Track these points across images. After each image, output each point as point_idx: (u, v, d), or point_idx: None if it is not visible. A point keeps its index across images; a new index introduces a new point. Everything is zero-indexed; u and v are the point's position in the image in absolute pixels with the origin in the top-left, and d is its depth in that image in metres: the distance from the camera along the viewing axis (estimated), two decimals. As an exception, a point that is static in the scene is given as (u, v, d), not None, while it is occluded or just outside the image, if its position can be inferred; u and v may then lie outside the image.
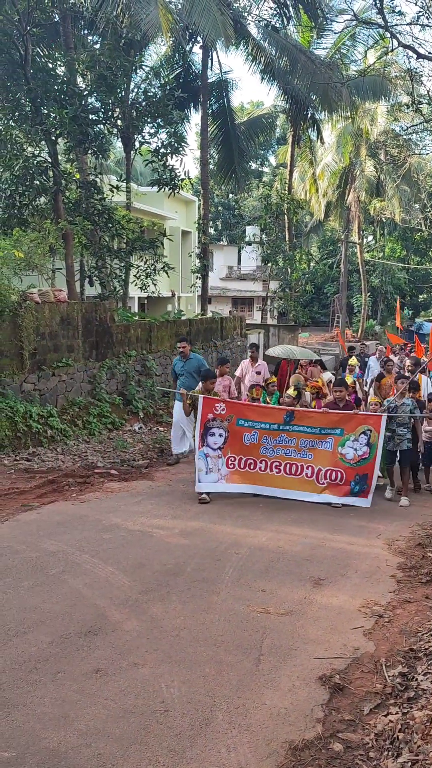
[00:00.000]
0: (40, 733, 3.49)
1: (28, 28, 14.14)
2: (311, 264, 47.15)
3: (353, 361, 14.25)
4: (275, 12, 23.89)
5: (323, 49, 27.33)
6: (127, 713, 3.69)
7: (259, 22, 23.80)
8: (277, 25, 24.01)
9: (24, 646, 4.38)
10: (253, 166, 37.05)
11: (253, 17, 23.68)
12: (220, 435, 8.53)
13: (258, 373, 11.96)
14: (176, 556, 6.22)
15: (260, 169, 51.45)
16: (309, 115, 26.62)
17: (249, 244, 43.05)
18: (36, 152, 15.66)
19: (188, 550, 6.41)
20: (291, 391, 9.59)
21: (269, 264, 31.01)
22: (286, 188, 30.34)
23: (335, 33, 26.39)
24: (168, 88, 16.88)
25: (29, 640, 4.47)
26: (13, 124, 15.50)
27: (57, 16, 15.58)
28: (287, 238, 29.13)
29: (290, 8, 23.41)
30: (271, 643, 4.55)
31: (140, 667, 4.16)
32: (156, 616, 4.90)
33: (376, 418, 8.52)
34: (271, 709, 3.77)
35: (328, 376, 12.72)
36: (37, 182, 15.26)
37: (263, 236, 30.47)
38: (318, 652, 4.43)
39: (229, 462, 8.56)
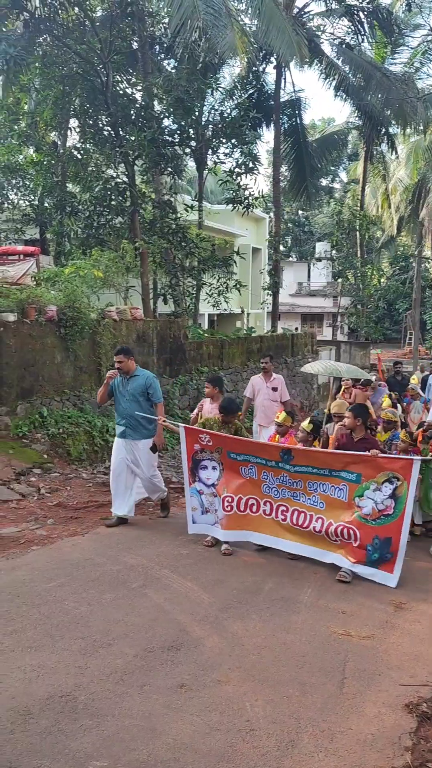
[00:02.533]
0: (129, 744, 3.57)
1: (110, 56, 14.68)
2: (383, 280, 46.49)
3: (414, 379, 12.41)
4: (349, 30, 23.95)
5: (398, 64, 27.19)
6: (212, 730, 3.73)
7: (333, 40, 23.90)
8: (351, 42, 24.05)
9: (110, 657, 4.50)
10: (324, 182, 36.99)
11: (327, 36, 23.82)
12: (214, 468, 6.99)
13: (274, 389, 9.81)
14: (254, 574, 6.24)
15: (331, 185, 51.25)
16: (382, 131, 26.45)
17: (319, 260, 42.93)
18: (114, 174, 16.20)
19: (266, 569, 6.43)
20: (306, 425, 7.42)
21: (340, 280, 30.90)
22: (358, 204, 30.17)
23: (410, 48, 26.20)
24: (243, 108, 17.16)
25: (115, 652, 4.59)
26: (93, 147, 16.10)
27: (136, 44, 16.13)
28: (358, 254, 28.92)
29: (365, 25, 23.39)
30: (354, 667, 4.51)
31: (224, 684, 4.20)
32: (237, 634, 4.94)
33: (404, 462, 6.28)
34: (358, 734, 3.74)
35: (386, 402, 10.53)
36: (115, 203, 15.77)
37: (334, 252, 30.38)
38: (403, 679, 4.36)
39: (226, 503, 6.83)
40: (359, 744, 3.66)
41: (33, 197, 18.34)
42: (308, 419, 7.63)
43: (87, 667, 4.35)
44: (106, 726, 3.74)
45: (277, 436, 7.49)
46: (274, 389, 9.81)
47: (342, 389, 11.03)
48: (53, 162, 16.50)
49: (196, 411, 8.65)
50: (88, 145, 16.21)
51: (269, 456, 6.73)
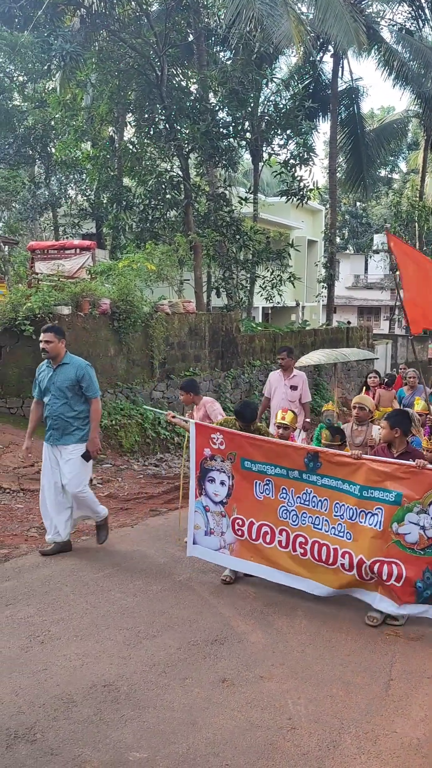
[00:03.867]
0: (170, 737, 3.56)
1: (165, 49, 14.69)
2: (442, 272, 45.25)
3: None
4: (409, 15, 23.33)
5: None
6: (253, 726, 3.69)
7: (393, 26, 23.32)
8: (412, 28, 23.42)
9: (154, 649, 4.51)
10: (383, 173, 36.14)
11: (386, 22, 23.27)
12: (222, 483, 5.62)
13: (293, 388, 8.27)
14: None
15: (390, 175, 50.11)
16: (444, 118, 25.69)
17: (377, 252, 42.14)
18: (169, 167, 16.25)
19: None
20: (327, 435, 5.98)
21: (397, 272, 30.22)
22: (417, 195, 29.43)
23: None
24: (298, 98, 16.94)
25: (158, 643, 4.59)
26: (147, 141, 16.17)
27: (191, 36, 16.10)
28: (417, 246, 28.22)
29: (426, 10, 22.72)
30: (401, 668, 4.39)
31: (266, 680, 4.15)
32: (281, 630, 4.88)
33: None
34: (403, 738, 3.63)
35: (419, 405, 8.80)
36: (169, 196, 15.82)
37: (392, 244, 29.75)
38: (452, 683, 4.22)
39: (236, 526, 5.55)
40: (404, 748, 3.55)
41: (90, 192, 18.60)
42: (324, 428, 6.19)
43: (130, 658, 4.37)
44: (147, 717, 3.74)
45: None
46: (293, 388, 8.28)
47: (363, 389, 9.58)
48: (109, 156, 16.66)
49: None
50: (143, 139, 16.30)
51: (291, 463, 5.32)
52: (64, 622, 4.81)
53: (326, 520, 5.22)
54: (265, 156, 18.97)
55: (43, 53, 13.85)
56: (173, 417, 6.28)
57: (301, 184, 17.68)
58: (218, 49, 18.23)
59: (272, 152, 18.59)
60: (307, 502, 5.30)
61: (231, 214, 16.25)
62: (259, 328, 16.92)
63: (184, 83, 16.82)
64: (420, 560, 4.88)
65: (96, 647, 4.49)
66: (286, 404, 7.93)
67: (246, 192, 19.22)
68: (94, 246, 13.30)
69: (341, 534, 5.15)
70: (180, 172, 15.83)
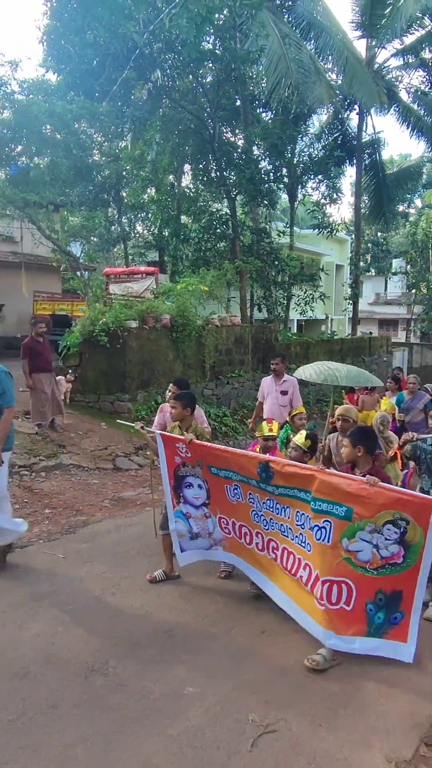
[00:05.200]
0: (218, 676, 3.52)
1: (216, 112, 14.69)
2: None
3: None
4: (425, 78, 22.66)
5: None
6: (287, 671, 3.61)
7: (410, 88, 22.72)
8: (426, 89, 22.75)
9: (206, 603, 4.47)
10: (401, 208, 35.15)
11: (403, 85, 22.65)
12: (200, 486, 4.66)
13: (284, 393, 7.10)
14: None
15: (407, 210, 48.83)
16: (453, 163, 24.84)
17: (395, 274, 41.13)
18: (219, 208, 16.25)
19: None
20: (299, 439, 4.92)
21: (413, 291, 29.44)
22: (431, 226, 28.64)
23: None
24: (328, 149, 16.74)
25: (209, 599, 4.55)
26: (202, 186, 16.22)
27: (239, 101, 16.02)
28: (430, 269, 27.46)
29: (439, 74, 22.02)
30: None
31: (299, 633, 4.03)
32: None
33: (420, 503, 3.66)
34: (417, 686, 3.49)
35: (385, 404, 7.62)
36: (219, 231, 15.82)
37: (408, 267, 29.00)
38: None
39: (223, 524, 4.61)
40: (418, 695, 3.41)
41: (154, 228, 18.77)
42: (303, 433, 5.07)
43: (186, 610, 4.34)
44: (200, 660, 3.71)
45: (258, 450, 4.91)
46: (284, 393, 7.16)
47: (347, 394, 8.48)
48: (170, 200, 16.75)
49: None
50: (198, 185, 16.35)
51: (248, 473, 4.28)
52: (131, 579, 4.82)
53: (290, 528, 4.14)
54: (300, 196, 18.80)
55: (117, 119, 14.04)
56: (142, 428, 5.05)
57: (330, 220, 17.46)
58: (261, 110, 18.06)
59: (306, 193, 18.46)
60: (272, 509, 4.25)
61: (271, 245, 16.13)
62: (294, 337, 16.74)
63: (232, 139, 16.75)
64: (373, 581, 3.73)
65: (157, 600, 4.48)
66: (277, 408, 6.94)
67: (284, 226, 19.06)
68: (157, 271, 13.39)
69: (303, 544, 4.04)
70: (228, 211, 15.78)
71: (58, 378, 9.40)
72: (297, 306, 17.95)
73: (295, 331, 23.40)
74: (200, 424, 5.10)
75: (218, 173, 15.39)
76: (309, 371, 5.92)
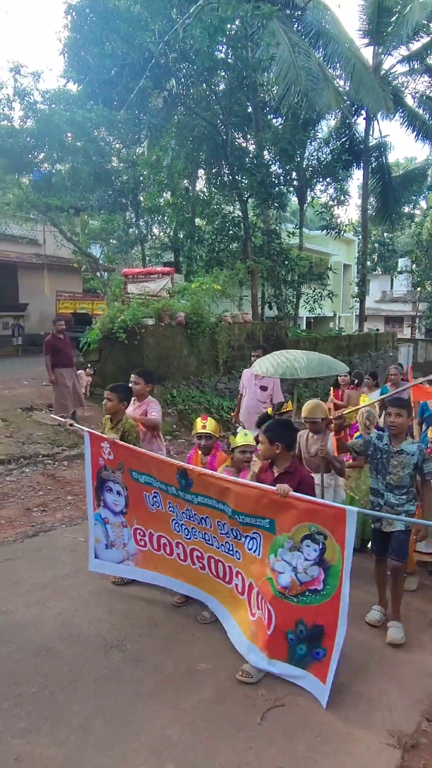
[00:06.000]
0: (228, 654, 3.51)
1: (229, 119, 14.61)
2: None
3: None
4: (429, 84, 22.29)
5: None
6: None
7: (415, 93, 22.38)
8: (431, 94, 22.37)
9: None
10: (406, 209, 34.75)
11: (409, 90, 22.32)
12: (119, 493, 4.18)
13: (263, 388, 6.41)
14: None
15: (412, 211, 48.27)
16: (457, 165, 24.43)
17: (401, 272, 40.72)
18: (231, 210, 16.18)
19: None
20: (240, 437, 4.10)
21: (418, 288, 29.12)
22: (435, 226, 28.28)
23: None
24: (336, 153, 16.59)
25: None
26: (215, 190, 16.16)
27: (250, 108, 15.92)
28: (435, 268, 27.15)
29: (444, 80, 21.67)
30: (418, 607, 4.18)
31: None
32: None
33: (333, 511, 3.13)
34: (418, 665, 3.46)
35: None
36: (231, 232, 15.77)
37: (413, 266, 28.68)
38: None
39: (138, 536, 4.14)
40: (418, 673, 3.37)
41: (169, 230, 18.77)
42: (242, 431, 4.29)
43: (198, 591, 4.35)
44: (212, 639, 3.71)
45: (199, 453, 4.25)
46: (263, 388, 6.37)
47: (336, 386, 7.76)
48: (184, 203, 16.72)
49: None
50: (211, 189, 16.30)
51: (167, 479, 3.78)
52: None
53: (214, 537, 3.67)
54: (309, 199, 18.66)
55: (135, 126, 14.02)
56: (71, 425, 4.73)
57: (338, 221, 17.31)
58: (271, 116, 17.93)
59: (315, 196, 18.33)
60: (192, 518, 3.76)
61: (281, 245, 16.05)
62: (303, 334, 16.66)
63: (244, 144, 16.65)
64: (292, 608, 3.20)
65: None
66: (255, 404, 6.24)
67: (293, 227, 18.94)
68: (173, 271, 13.38)
69: (231, 552, 3.59)
70: (240, 214, 15.73)
71: (78, 372, 9.47)
72: (306, 304, 17.85)
73: (304, 327, 23.29)
74: (149, 415, 4.64)
75: (231, 177, 15.32)
76: (265, 365, 5.07)
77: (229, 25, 12.13)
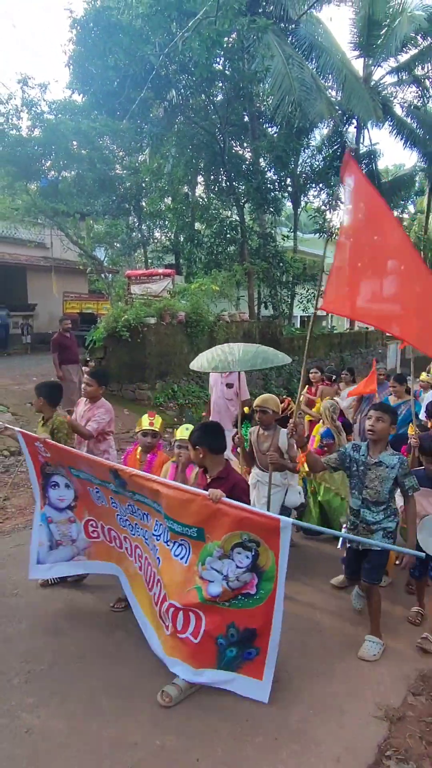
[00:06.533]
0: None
1: (226, 128, 14.54)
2: (441, 289, 43.22)
3: (424, 376, 7.20)
4: (417, 94, 22.22)
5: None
6: (291, 629, 3.58)
7: (403, 103, 22.31)
8: (419, 103, 22.31)
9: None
10: (395, 213, 34.79)
11: (398, 100, 22.25)
12: (67, 486, 3.83)
13: (229, 386, 5.79)
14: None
15: (401, 215, 48.03)
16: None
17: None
18: (229, 215, 16.13)
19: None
20: (180, 431, 3.76)
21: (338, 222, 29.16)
22: (423, 230, 28.28)
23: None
24: (328, 160, 16.55)
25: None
26: (213, 196, 16.10)
27: (246, 117, 15.84)
28: (422, 269, 27.15)
29: (430, 90, 21.59)
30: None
31: (300, 595, 4.05)
32: (311, 558, 4.75)
33: (266, 521, 2.87)
34: (405, 645, 3.48)
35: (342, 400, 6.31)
36: (229, 236, 15.72)
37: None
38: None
39: (90, 528, 3.78)
40: (405, 653, 3.38)
41: (170, 234, 18.69)
42: (183, 426, 3.77)
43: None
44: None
45: (138, 450, 3.91)
46: (229, 386, 5.81)
47: (307, 384, 6.98)
48: (184, 208, 16.64)
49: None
50: (210, 195, 16.24)
51: (103, 477, 3.48)
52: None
53: (151, 536, 3.30)
54: (303, 203, 18.60)
55: (137, 135, 13.95)
56: (5, 428, 4.14)
57: (331, 224, 17.24)
58: (267, 125, 17.84)
59: (308, 201, 18.25)
60: (135, 514, 3.41)
61: (276, 248, 16.00)
62: (297, 332, 16.63)
63: (240, 152, 16.56)
64: (224, 613, 2.94)
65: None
66: (222, 402, 5.72)
67: (288, 231, 18.89)
68: (174, 273, 13.34)
69: (156, 557, 3.22)
70: (237, 218, 15.66)
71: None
72: (300, 303, 17.83)
73: (298, 326, 23.26)
74: (90, 422, 4.21)
75: (228, 183, 15.26)
76: (201, 360, 4.58)
77: (226, 38, 12.06)
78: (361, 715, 2.88)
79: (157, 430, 3.83)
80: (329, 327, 22.89)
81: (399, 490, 3.38)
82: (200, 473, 3.40)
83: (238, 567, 2.89)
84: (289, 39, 15.71)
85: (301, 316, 24.92)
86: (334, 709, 2.92)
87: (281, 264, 16.01)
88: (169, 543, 3.11)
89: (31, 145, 11.25)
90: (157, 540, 3.20)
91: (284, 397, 5.39)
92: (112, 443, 4.57)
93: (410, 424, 4.44)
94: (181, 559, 3.05)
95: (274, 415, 4.17)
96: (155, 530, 3.24)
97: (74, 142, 11.74)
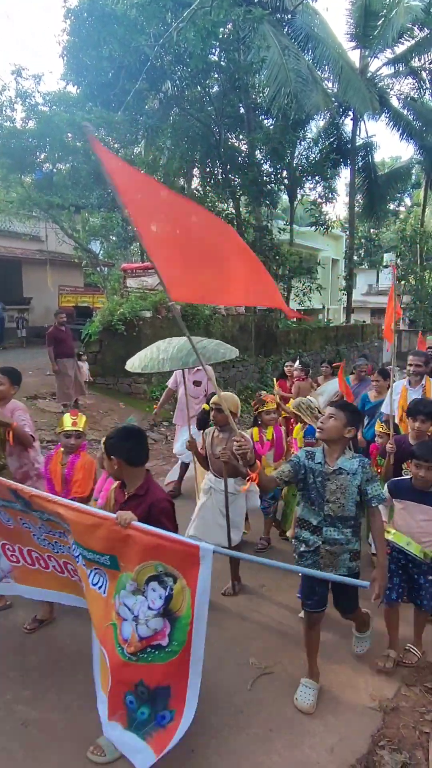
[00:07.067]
0: (222, 627, 3.55)
1: (222, 120, 14.45)
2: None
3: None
4: (413, 86, 22.09)
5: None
6: (283, 622, 3.64)
7: (400, 95, 22.17)
8: (415, 95, 22.19)
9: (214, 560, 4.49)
10: (391, 206, 34.53)
11: (394, 92, 22.11)
12: None
13: (196, 384, 5.61)
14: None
15: (397, 208, 48.00)
16: (441, 164, 24.27)
17: (386, 266, 40.65)
18: (225, 207, 16.05)
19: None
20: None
21: (403, 282, 29.11)
22: (420, 223, 28.23)
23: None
24: (324, 152, 16.47)
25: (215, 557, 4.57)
26: (209, 188, 16.02)
27: (242, 109, 15.73)
28: (418, 262, 27.12)
29: (427, 82, 21.48)
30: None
31: (295, 588, 4.07)
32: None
33: (184, 549, 2.34)
34: (400, 635, 3.50)
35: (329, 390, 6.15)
36: (226, 229, 15.62)
37: (398, 260, 28.67)
38: None
39: (8, 553, 3.22)
40: (384, 652, 3.40)
41: (167, 228, 18.57)
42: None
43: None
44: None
45: (61, 452, 3.61)
46: (197, 384, 5.53)
47: (280, 378, 6.88)
48: (181, 201, 16.58)
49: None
50: (205, 187, 16.15)
51: (5, 497, 3.00)
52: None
53: (72, 558, 2.87)
54: (299, 196, 18.53)
55: (132, 127, 13.82)
56: None
57: (327, 217, 17.23)
58: (262, 117, 17.72)
59: (304, 193, 18.19)
60: (51, 533, 2.96)
61: (272, 241, 15.95)
62: (293, 325, 16.61)
63: (236, 144, 16.47)
64: (131, 668, 2.40)
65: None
66: (189, 401, 5.07)
67: (284, 224, 18.82)
68: (170, 267, 13.26)
69: (75, 577, 2.94)
70: (233, 211, 15.61)
71: (80, 363, 9.44)
72: (296, 297, 17.80)
73: (294, 319, 23.25)
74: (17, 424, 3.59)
75: (224, 176, 15.18)
76: (135, 360, 4.15)
77: (221, 29, 11.95)
78: (355, 706, 2.91)
79: (81, 430, 3.58)
80: (325, 320, 22.90)
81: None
82: (117, 488, 2.82)
83: (150, 608, 2.36)
84: (285, 30, 15.58)
85: (297, 310, 24.93)
86: (328, 700, 2.94)
87: (277, 257, 15.97)
88: (86, 568, 2.63)
89: (25, 137, 11.15)
90: (78, 562, 2.71)
91: (261, 393, 5.10)
92: (37, 456, 3.94)
93: (378, 422, 4.20)
94: (99, 588, 2.56)
95: (232, 414, 3.56)
96: (73, 551, 2.73)
97: (69, 134, 11.63)
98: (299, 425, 4.65)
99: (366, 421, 5.22)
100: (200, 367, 5.03)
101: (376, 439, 4.32)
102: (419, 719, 2.82)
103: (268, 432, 4.57)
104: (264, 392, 5.34)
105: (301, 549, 2.88)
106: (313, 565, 2.83)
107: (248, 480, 2.57)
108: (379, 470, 4.08)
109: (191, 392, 5.36)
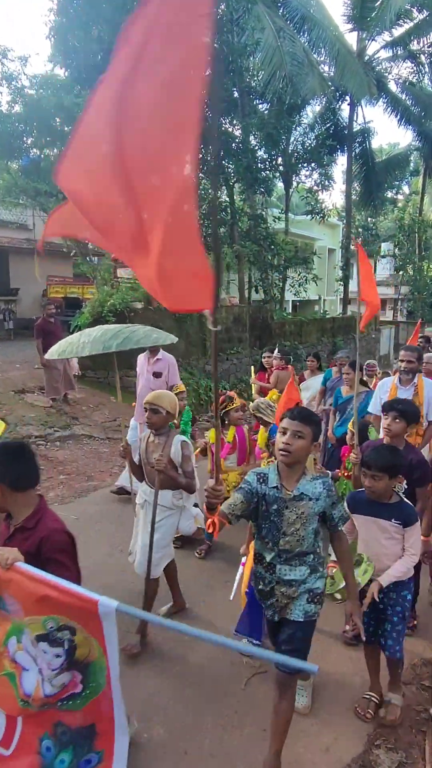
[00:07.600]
0: (215, 626, 3.56)
1: (215, 103, 14.30)
2: (436, 272, 43.47)
3: None
4: (412, 70, 21.98)
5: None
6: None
7: (398, 79, 22.06)
8: (414, 80, 22.08)
9: (205, 560, 4.47)
10: (389, 194, 34.46)
11: (392, 76, 22.00)
12: None
13: (156, 375, 5.42)
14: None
15: (395, 196, 47.93)
16: (440, 150, 24.21)
17: (384, 257, 40.66)
18: (218, 195, 15.94)
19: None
20: None
21: (401, 272, 29.15)
22: (418, 211, 28.21)
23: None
24: (321, 138, 16.38)
25: (208, 557, 4.57)
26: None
27: (236, 93, 15.60)
28: (417, 252, 27.12)
29: (425, 66, 21.39)
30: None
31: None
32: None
33: (80, 606, 1.89)
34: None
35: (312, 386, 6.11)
36: (218, 217, 15.53)
37: (396, 250, 28.68)
38: None
39: None
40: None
41: (159, 216, 18.48)
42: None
43: (187, 566, 4.37)
44: (198, 610, 3.71)
45: None
46: (157, 375, 5.34)
47: (261, 369, 6.61)
48: (173, 188, 16.50)
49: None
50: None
51: None
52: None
53: None
54: (295, 184, 18.44)
55: (122, 110, 13.70)
56: None
57: (323, 206, 17.19)
58: (257, 102, 17.57)
59: (300, 181, 18.10)
60: None
61: (267, 230, 15.87)
62: (289, 317, 16.61)
63: (230, 130, 16.36)
64: (43, 715, 2.10)
65: (161, 556, 4.50)
66: (148, 393, 4.17)
67: (279, 212, 18.74)
68: (163, 257, 13.20)
69: None
70: (227, 199, 15.52)
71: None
72: (292, 287, 17.77)
73: (290, 310, 23.22)
74: None
75: (217, 162, 15.10)
76: (54, 347, 3.77)
77: (214, 9, 11.81)
78: (350, 704, 2.93)
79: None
80: (321, 311, 22.91)
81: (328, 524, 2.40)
82: (2, 520, 2.31)
83: (51, 668, 1.99)
84: (280, 11, 15.44)
85: (293, 301, 24.91)
86: (323, 698, 2.96)
87: (272, 247, 15.90)
88: None
89: (11, 121, 11.01)
90: None
91: (226, 391, 4.71)
92: None
93: (351, 421, 3.79)
94: None
95: (168, 416, 3.35)
96: None
97: (57, 119, 11.50)
98: (262, 429, 4.31)
99: (338, 417, 5.05)
100: (161, 357, 5.25)
101: (347, 439, 3.94)
102: (415, 717, 2.85)
103: (229, 433, 4.26)
104: (231, 390, 5.10)
105: (260, 587, 2.48)
106: (270, 608, 2.45)
107: (208, 525, 2.09)
108: (348, 475, 3.89)
109: (152, 384, 5.14)
